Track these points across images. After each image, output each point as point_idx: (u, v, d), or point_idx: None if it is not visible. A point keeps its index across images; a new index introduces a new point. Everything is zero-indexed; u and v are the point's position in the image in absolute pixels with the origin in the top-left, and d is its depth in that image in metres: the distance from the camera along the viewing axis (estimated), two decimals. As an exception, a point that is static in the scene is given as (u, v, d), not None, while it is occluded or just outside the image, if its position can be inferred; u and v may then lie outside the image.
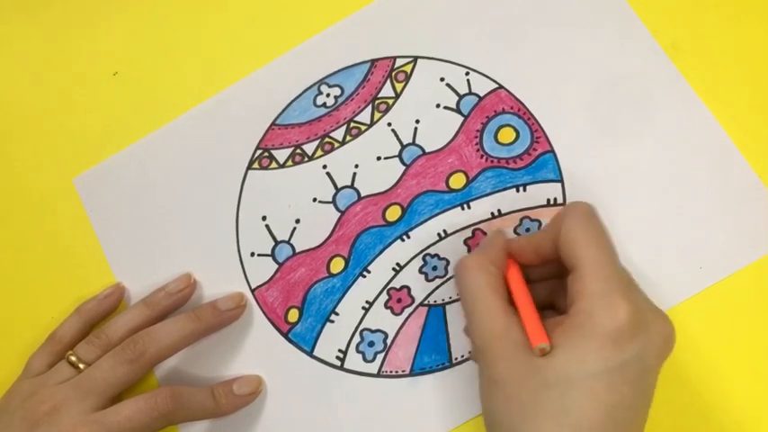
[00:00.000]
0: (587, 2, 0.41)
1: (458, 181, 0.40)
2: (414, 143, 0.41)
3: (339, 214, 0.40)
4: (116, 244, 0.42)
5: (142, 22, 0.47)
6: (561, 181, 0.39)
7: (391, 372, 0.37)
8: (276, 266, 0.40)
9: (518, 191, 0.39)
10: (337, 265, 0.40)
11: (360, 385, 0.38)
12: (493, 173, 0.39)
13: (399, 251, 0.39)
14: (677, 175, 0.38)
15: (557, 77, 0.40)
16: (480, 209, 0.39)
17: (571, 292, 0.30)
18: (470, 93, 0.41)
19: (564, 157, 0.39)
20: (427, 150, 0.41)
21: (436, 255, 0.39)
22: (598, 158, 0.39)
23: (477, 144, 0.40)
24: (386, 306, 0.38)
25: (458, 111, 0.41)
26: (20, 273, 0.43)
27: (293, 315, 0.39)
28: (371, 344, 0.38)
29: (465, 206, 0.39)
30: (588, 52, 0.40)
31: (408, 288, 0.39)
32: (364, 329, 0.38)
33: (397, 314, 0.38)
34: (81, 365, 0.37)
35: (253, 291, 0.40)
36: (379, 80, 0.42)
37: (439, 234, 0.39)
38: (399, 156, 0.41)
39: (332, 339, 0.39)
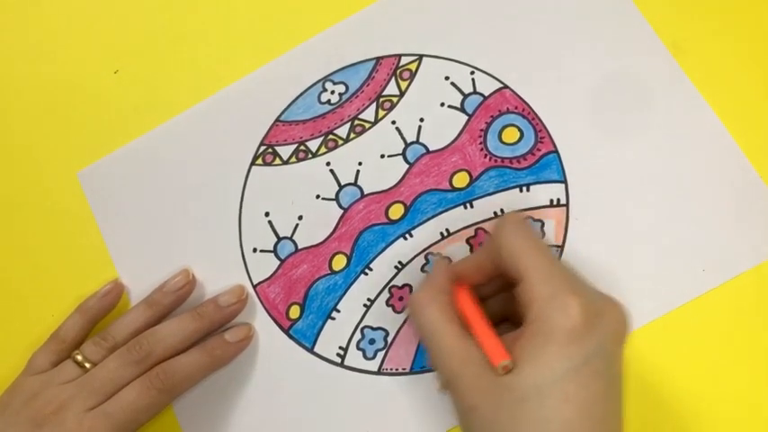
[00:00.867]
0: (593, 1, 0.41)
1: (461, 180, 0.40)
2: (418, 141, 0.41)
3: (342, 211, 0.40)
4: (119, 238, 0.43)
5: (148, 20, 0.47)
6: (565, 181, 0.39)
7: (392, 369, 0.38)
8: (278, 263, 0.40)
9: (521, 191, 0.39)
10: (339, 262, 0.40)
11: (360, 383, 0.38)
12: (496, 172, 0.39)
13: (401, 249, 0.39)
14: (680, 177, 0.38)
15: (561, 77, 0.40)
16: (483, 208, 0.39)
17: (522, 301, 0.30)
18: (475, 92, 0.41)
19: (568, 158, 0.39)
20: (431, 149, 0.40)
21: (439, 253, 0.39)
22: (602, 160, 0.39)
23: (481, 143, 0.40)
24: (387, 304, 0.38)
25: (462, 110, 0.41)
26: (23, 266, 0.43)
27: (294, 311, 0.39)
28: (372, 341, 0.38)
29: (468, 205, 0.39)
30: (593, 52, 0.40)
31: (410, 286, 0.39)
32: (365, 327, 0.38)
33: (398, 312, 0.38)
34: (87, 365, 0.37)
35: (254, 287, 0.40)
36: (384, 78, 0.42)
37: (441, 233, 0.39)
38: (403, 154, 0.41)
39: (333, 336, 0.39)
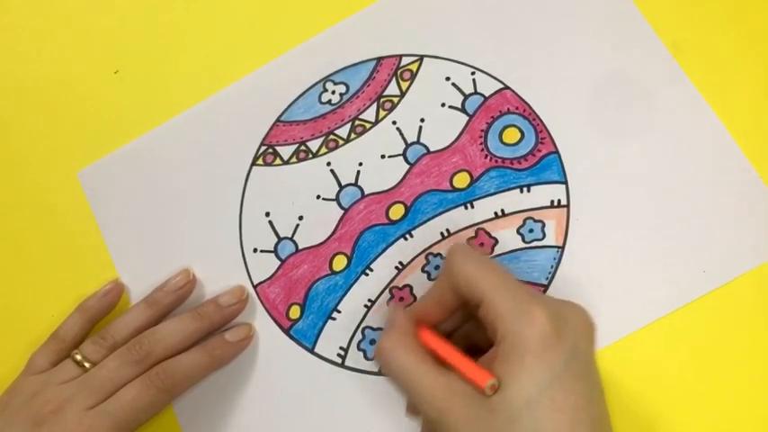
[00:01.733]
0: (593, 1, 0.41)
1: (462, 180, 0.40)
2: (418, 142, 0.41)
3: (342, 212, 0.40)
4: (119, 237, 0.42)
5: (149, 20, 0.46)
6: (565, 182, 0.39)
7: (392, 370, 0.37)
8: (279, 263, 0.40)
9: (522, 191, 0.39)
10: (340, 262, 0.40)
11: (361, 383, 0.38)
12: (497, 173, 0.39)
13: (402, 250, 0.39)
14: (681, 178, 0.38)
15: (562, 78, 0.40)
16: (484, 209, 0.39)
17: (488, 322, 0.30)
18: (476, 92, 0.41)
19: (568, 159, 0.39)
20: (432, 149, 0.40)
21: (439, 254, 0.39)
22: (602, 160, 0.39)
23: (481, 144, 0.40)
24: (388, 304, 0.38)
25: (463, 110, 0.41)
26: (23, 266, 0.43)
27: (295, 312, 0.39)
28: (373, 342, 0.38)
29: (468, 206, 0.39)
30: (593, 52, 0.40)
31: (410, 287, 0.39)
32: (366, 327, 0.38)
33: (398, 313, 0.38)
34: (87, 364, 0.37)
35: (255, 287, 0.40)
36: (385, 78, 0.42)
37: (442, 233, 0.39)
38: (404, 154, 0.41)
39: (333, 337, 0.39)
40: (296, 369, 0.38)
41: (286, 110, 0.43)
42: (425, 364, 0.30)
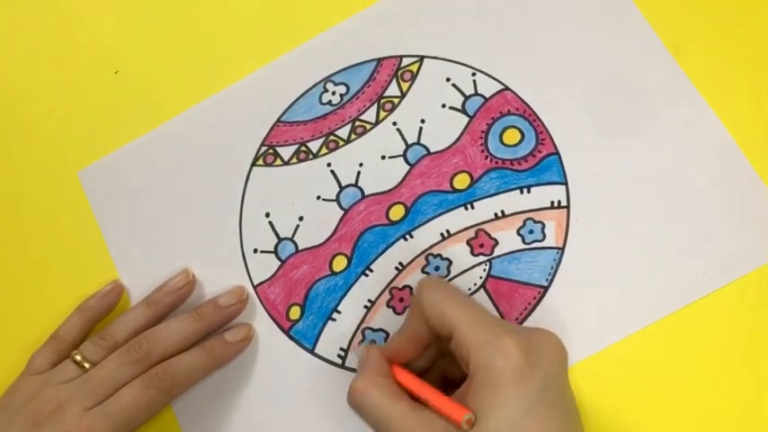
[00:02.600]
0: (594, 2, 0.41)
1: (462, 181, 0.40)
2: (419, 143, 0.41)
3: (342, 212, 0.40)
4: (120, 238, 0.42)
5: (148, 20, 0.46)
6: (565, 183, 0.39)
7: (392, 371, 0.37)
8: (279, 263, 0.40)
9: (522, 192, 0.39)
10: (340, 263, 0.40)
11: (360, 384, 0.38)
12: (497, 174, 0.39)
13: (402, 250, 0.39)
14: (681, 178, 0.38)
15: (562, 79, 0.40)
16: (484, 209, 0.39)
17: (460, 355, 0.30)
18: (476, 93, 0.41)
19: (568, 160, 0.39)
20: (432, 150, 0.41)
21: (439, 255, 0.39)
22: (602, 161, 0.39)
23: (481, 145, 0.40)
24: (388, 305, 0.38)
25: (463, 111, 0.41)
26: (23, 266, 0.43)
27: (295, 312, 0.39)
28: (373, 342, 0.38)
29: (469, 206, 0.39)
30: (593, 53, 0.40)
31: (410, 288, 0.39)
32: (366, 328, 0.38)
33: (398, 313, 0.38)
34: (86, 365, 0.37)
35: (255, 287, 0.40)
36: (385, 79, 0.42)
37: (442, 234, 0.39)
38: (404, 155, 0.41)
39: (333, 337, 0.39)
40: (296, 370, 0.38)
41: (286, 110, 0.43)
42: (401, 403, 0.30)
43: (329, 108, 0.42)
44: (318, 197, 0.41)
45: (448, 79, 0.42)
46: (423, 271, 0.39)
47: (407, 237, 0.39)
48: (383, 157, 0.41)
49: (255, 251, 0.41)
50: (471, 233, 0.39)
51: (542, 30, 0.41)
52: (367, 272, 0.39)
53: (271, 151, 0.42)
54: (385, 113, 0.42)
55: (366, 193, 0.40)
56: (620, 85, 0.40)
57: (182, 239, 0.42)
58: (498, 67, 0.41)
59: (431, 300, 0.31)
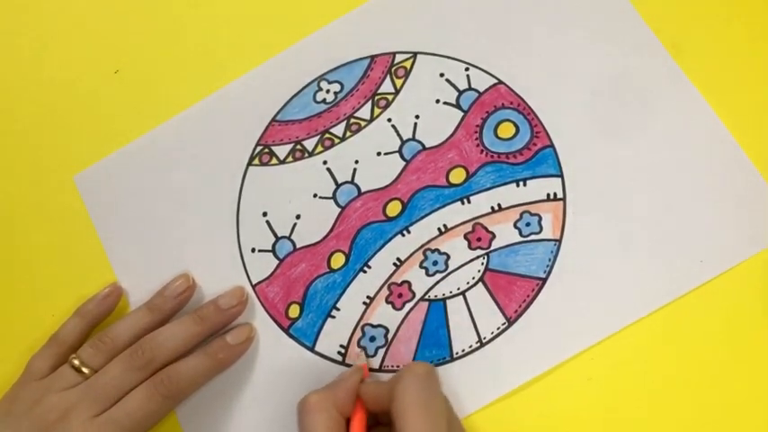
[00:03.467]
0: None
1: (458, 176, 0.40)
2: (414, 138, 0.41)
3: (339, 210, 0.40)
4: (117, 241, 0.42)
5: (143, 20, 0.47)
6: (561, 176, 0.39)
7: (393, 366, 0.38)
8: (277, 262, 0.40)
9: (518, 185, 0.39)
10: (338, 260, 0.40)
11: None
12: (493, 168, 0.39)
13: (400, 246, 0.39)
14: (678, 170, 0.38)
15: (557, 73, 0.40)
16: (480, 203, 0.39)
17: None
18: (470, 88, 0.41)
19: (564, 152, 0.39)
20: (427, 146, 0.41)
21: (437, 250, 0.39)
22: (598, 153, 0.39)
23: (476, 139, 0.40)
24: (387, 301, 0.39)
25: (457, 106, 0.41)
26: (21, 270, 0.43)
27: (294, 310, 0.39)
28: (373, 339, 0.38)
29: (465, 201, 0.39)
30: (588, 48, 0.40)
31: (409, 283, 0.39)
32: (365, 324, 0.38)
33: (398, 309, 0.38)
34: (84, 369, 0.37)
35: (254, 286, 0.40)
36: (379, 76, 0.42)
37: (439, 229, 0.39)
38: (399, 151, 0.41)
39: (333, 334, 0.39)
40: (296, 368, 0.38)
41: (281, 110, 0.43)
42: None
43: (324, 106, 0.42)
44: (315, 195, 0.41)
45: (441, 74, 0.42)
46: (420, 266, 0.39)
47: (405, 232, 0.39)
48: (378, 154, 0.41)
49: (253, 250, 0.41)
50: (468, 227, 0.39)
51: (536, 24, 0.41)
52: (365, 268, 0.39)
53: (266, 150, 0.42)
54: (379, 110, 0.42)
55: (362, 190, 0.41)
56: (615, 80, 0.40)
57: (179, 240, 0.42)
58: (492, 61, 0.41)
59: (403, 393, 0.30)
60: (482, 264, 0.38)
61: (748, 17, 0.40)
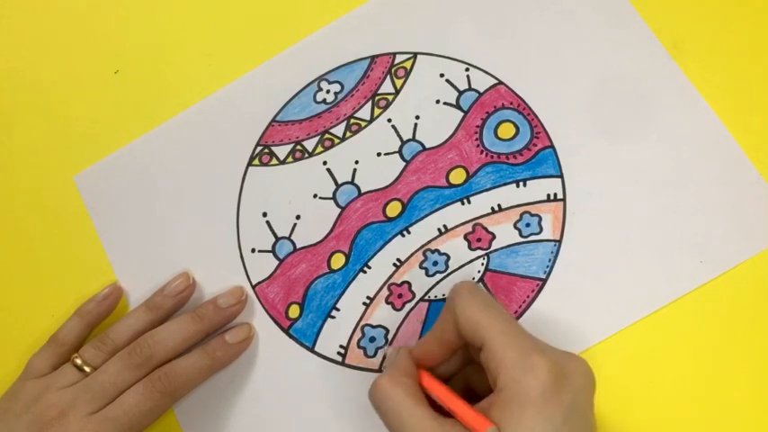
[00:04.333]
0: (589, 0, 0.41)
1: (458, 176, 0.40)
2: (414, 139, 0.41)
3: (339, 210, 0.40)
4: (117, 241, 0.42)
5: (143, 20, 0.47)
6: (561, 176, 0.39)
7: (392, 367, 0.37)
8: (277, 262, 0.40)
9: (518, 186, 0.39)
10: (338, 260, 0.40)
11: (361, 381, 0.38)
12: (493, 168, 0.39)
13: (400, 247, 0.39)
14: (678, 170, 0.38)
15: (557, 74, 0.40)
16: (480, 204, 0.39)
17: (489, 367, 0.30)
18: (470, 89, 0.41)
19: (563, 153, 0.39)
20: (427, 146, 0.41)
21: (437, 250, 0.39)
22: (598, 154, 0.39)
23: (477, 139, 0.40)
24: (387, 301, 0.39)
25: (458, 106, 0.41)
26: (21, 270, 0.43)
27: (294, 311, 0.39)
28: (372, 339, 0.38)
29: (465, 201, 0.39)
30: (588, 49, 0.40)
31: (409, 283, 0.39)
32: (365, 325, 0.38)
33: (397, 309, 0.38)
34: (87, 368, 0.37)
35: (254, 287, 0.40)
36: (379, 76, 0.42)
37: (439, 229, 0.39)
38: (399, 152, 0.41)
39: (333, 335, 0.39)
40: (296, 368, 0.38)
41: (281, 110, 0.43)
42: (422, 405, 0.30)
43: (324, 107, 0.42)
44: (315, 195, 0.41)
45: (441, 75, 0.42)
46: (420, 266, 0.39)
47: (405, 233, 0.39)
48: (379, 154, 0.41)
49: (253, 251, 0.41)
50: (468, 228, 0.39)
51: (536, 25, 0.41)
52: (365, 269, 0.39)
53: (266, 151, 0.42)
54: (379, 110, 0.42)
55: (362, 191, 0.41)
56: (616, 81, 0.40)
57: (179, 241, 0.42)
58: (492, 61, 0.41)
59: (465, 307, 0.31)
60: (482, 264, 0.38)
61: (748, 17, 0.40)
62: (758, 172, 0.37)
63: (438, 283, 0.38)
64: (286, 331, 0.39)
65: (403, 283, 0.39)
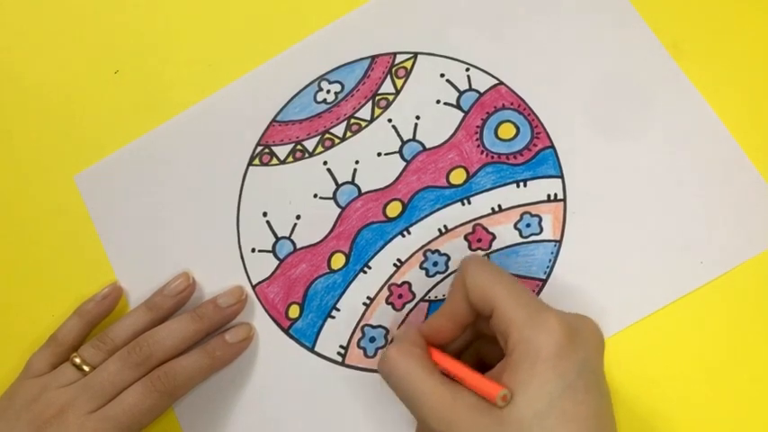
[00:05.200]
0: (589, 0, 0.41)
1: (458, 176, 0.40)
2: (414, 139, 0.41)
3: (340, 210, 0.40)
4: (117, 241, 0.42)
5: (143, 20, 0.47)
6: (561, 176, 0.39)
7: (392, 367, 0.37)
8: (277, 262, 0.40)
9: (518, 186, 0.39)
10: (338, 260, 0.40)
11: (361, 381, 0.38)
12: (493, 168, 0.39)
13: (400, 247, 0.39)
14: (678, 171, 0.38)
15: (557, 74, 0.40)
16: (481, 204, 0.39)
17: (500, 331, 0.30)
18: (471, 89, 0.41)
19: (564, 153, 0.39)
20: (428, 146, 0.41)
21: (437, 250, 0.39)
22: (598, 154, 0.39)
23: (477, 140, 0.40)
24: (387, 302, 0.39)
25: (458, 107, 0.41)
26: (21, 270, 0.43)
27: (294, 311, 0.39)
28: (373, 339, 0.38)
29: (465, 201, 0.39)
30: (589, 49, 0.40)
31: (409, 284, 0.39)
32: (365, 325, 0.38)
33: (398, 310, 0.38)
34: (86, 368, 0.37)
35: (254, 287, 0.40)
36: (380, 76, 0.42)
37: (439, 230, 0.39)
38: (400, 152, 0.41)
39: (333, 335, 0.39)
40: (296, 368, 0.38)
41: (281, 110, 0.43)
42: (433, 373, 0.30)
43: (324, 106, 0.42)
44: (315, 195, 0.41)
45: (442, 75, 0.42)
46: (421, 267, 0.39)
47: (405, 233, 0.39)
48: (379, 154, 0.41)
49: (253, 251, 0.41)
50: (469, 228, 0.39)
51: (537, 25, 0.41)
52: (365, 269, 0.39)
53: (267, 151, 0.42)
54: (380, 110, 0.42)
55: (363, 191, 0.41)
56: (616, 81, 0.40)
57: (179, 241, 0.42)
58: (492, 62, 0.41)
59: (474, 276, 0.31)
60: (482, 264, 0.38)
61: (748, 17, 0.40)
62: (758, 172, 0.37)
63: (438, 283, 0.38)
64: (286, 331, 0.39)
65: (403, 283, 0.39)
